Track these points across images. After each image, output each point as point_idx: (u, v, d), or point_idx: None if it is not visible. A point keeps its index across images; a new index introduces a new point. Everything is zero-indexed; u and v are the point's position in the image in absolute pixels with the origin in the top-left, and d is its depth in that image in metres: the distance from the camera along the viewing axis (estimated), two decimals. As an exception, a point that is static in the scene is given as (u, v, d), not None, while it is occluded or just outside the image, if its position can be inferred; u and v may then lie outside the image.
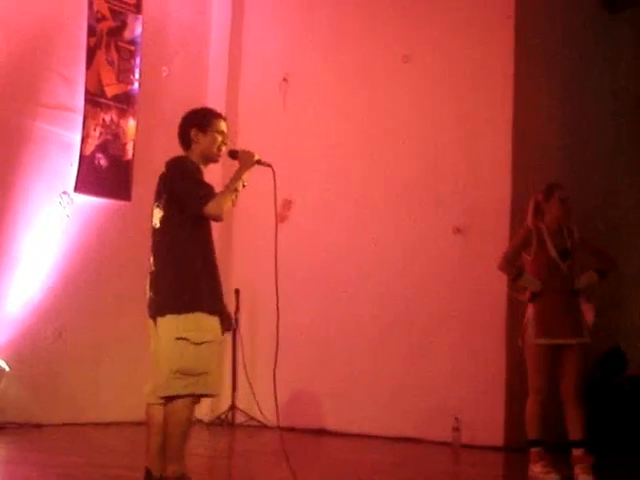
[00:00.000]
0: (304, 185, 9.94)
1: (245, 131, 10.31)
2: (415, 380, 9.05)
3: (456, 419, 8.53)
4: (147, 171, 9.57)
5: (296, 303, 9.75)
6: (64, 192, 9.03)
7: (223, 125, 5.40)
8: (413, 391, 9.06)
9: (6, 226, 8.58)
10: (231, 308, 9.58)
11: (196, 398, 5.07)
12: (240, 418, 9.66)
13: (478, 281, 8.90)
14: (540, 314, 6.77)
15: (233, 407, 9.63)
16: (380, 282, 9.39)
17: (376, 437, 9.01)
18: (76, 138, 9.09)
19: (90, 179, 9.19)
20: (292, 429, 9.37)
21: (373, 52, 9.70)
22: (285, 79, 10.14)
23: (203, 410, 9.70)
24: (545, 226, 6.88)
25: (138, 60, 9.60)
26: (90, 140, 9.18)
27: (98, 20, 9.26)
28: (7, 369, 8.38)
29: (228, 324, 5.30)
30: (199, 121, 5.37)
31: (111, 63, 9.37)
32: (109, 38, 9.36)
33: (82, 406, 8.99)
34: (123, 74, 9.48)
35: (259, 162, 5.36)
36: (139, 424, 9.13)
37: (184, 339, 4.98)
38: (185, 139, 5.36)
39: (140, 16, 9.63)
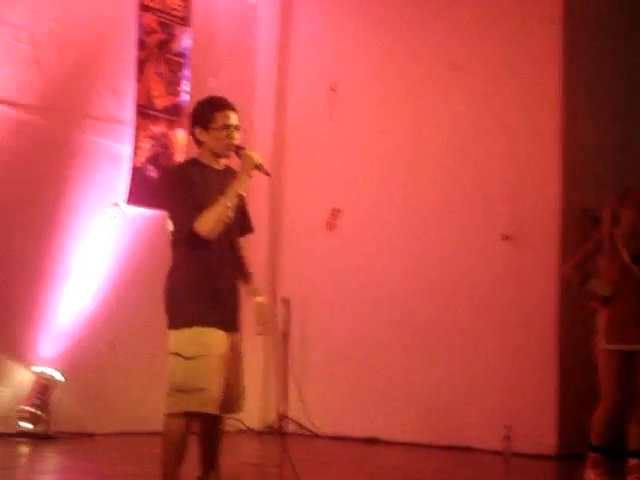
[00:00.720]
0: (352, 194, 9.95)
1: (293, 141, 10.35)
2: (465, 388, 9.01)
3: (507, 427, 8.48)
4: (196, 182, 9.65)
5: (345, 311, 9.78)
6: (115, 204, 9.12)
7: (229, 117, 4.98)
8: (463, 399, 9.02)
9: (58, 238, 8.67)
10: (280, 317, 9.61)
11: (191, 416, 4.82)
12: (291, 427, 9.67)
13: (528, 288, 8.85)
14: (612, 319, 6.66)
15: (284, 416, 9.64)
16: (429, 290, 9.36)
17: (426, 446, 8.98)
18: (126, 150, 9.17)
19: (141, 190, 9.26)
20: (343, 438, 9.38)
21: (420, 61, 9.69)
22: (332, 88, 10.15)
23: (253, 419, 9.75)
24: (619, 231, 6.78)
25: (186, 72, 9.68)
26: (140, 152, 9.26)
27: (147, 33, 9.34)
28: (61, 380, 8.47)
29: (262, 326, 5.08)
30: (200, 119, 5.00)
31: (160, 75, 9.46)
32: (158, 51, 9.44)
33: (134, 416, 9.03)
34: (172, 86, 9.55)
35: (259, 168, 4.98)
36: (190, 433, 9.22)
37: (177, 354, 4.81)
38: (194, 139, 5.06)
39: (188, 28, 9.70)
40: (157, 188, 5.03)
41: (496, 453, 8.48)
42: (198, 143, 5.04)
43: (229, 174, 5.03)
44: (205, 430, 5.03)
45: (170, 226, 4.96)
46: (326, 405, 9.65)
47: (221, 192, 4.87)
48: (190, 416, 4.83)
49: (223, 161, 5.07)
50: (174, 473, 4.85)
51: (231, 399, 4.99)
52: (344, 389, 9.65)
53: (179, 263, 4.95)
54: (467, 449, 8.82)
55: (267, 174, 5.03)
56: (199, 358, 4.76)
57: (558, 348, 8.64)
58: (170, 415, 4.82)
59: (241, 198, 4.98)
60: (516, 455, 8.41)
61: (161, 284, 9.38)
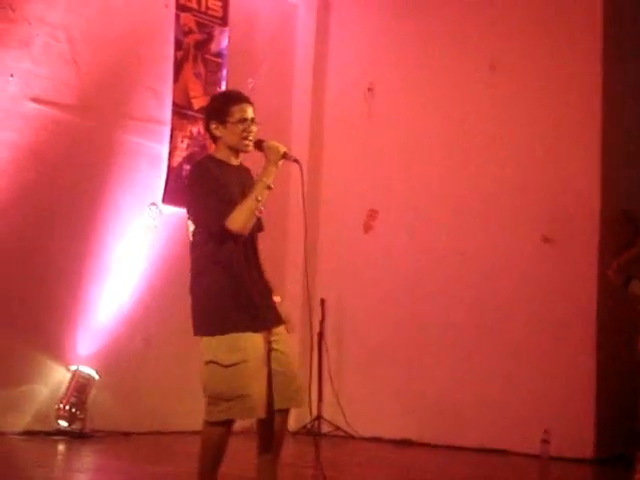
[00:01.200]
0: (389, 195, 9.92)
1: (330, 141, 10.34)
2: (504, 391, 8.96)
3: (545, 431, 8.40)
4: (233, 182, 9.67)
5: (381, 312, 9.75)
6: (153, 203, 9.15)
7: (245, 110, 4.85)
8: (501, 402, 8.96)
9: (97, 237, 8.71)
10: (316, 318, 9.61)
11: (231, 422, 4.75)
12: (326, 428, 9.66)
13: (567, 290, 8.79)
14: None
15: (319, 417, 9.63)
16: (467, 292, 9.32)
17: (462, 448, 8.93)
18: (164, 150, 9.20)
19: (177, 190, 9.28)
20: (377, 439, 9.35)
21: (459, 61, 9.64)
22: (370, 89, 10.14)
23: (289, 419, 9.73)
24: None
25: (224, 72, 9.69)
26: (177, 152, 9.29)
27: (185, 33, 9.37)
28: (97, 378, 8.51)
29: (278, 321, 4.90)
30: (216, 113, 4.84)
31: (198, 76, 9.48)
32: (196, 51, 9.46)
33: (168, 415, 9.07)
34: (210, 86, 9.56)
35: (285, 156, 4.85)
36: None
37: (213, 362, 4.70)
38: (210, 134, 4.90)
39: (226, 28, 9.71)
40: (184, 188, 4.85)
41: (533, 456, 8.41)
42: (214, 138, 4.89)
43: (243, 171, 4.94)
44: (264, 428, 4.94)
45: (191, 227, 4.83)
46: (361, 406, 9.62)
47: (240, 189, 4.76)
48: (230, 422, 4.76)
49: (239, 157, 4.93)
50: (212, 475, 4.79)
51: (289, 394, 4.87)
52: (379, 390, 9.62)
53: (204, 266, 4.78)
54: (503, 452, 8.76)
55: (295, 161, 4.88)
56: (238, 365, 4.64)
57: (597, 351, 8.56)
58: (211, 423, 4.74)
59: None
60: (554, 459, 8.34)
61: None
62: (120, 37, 8.92)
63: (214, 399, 4.69)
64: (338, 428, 9.58)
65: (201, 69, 9.53)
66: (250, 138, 4.84)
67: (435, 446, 9.15)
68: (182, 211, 9.11)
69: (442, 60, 9.76)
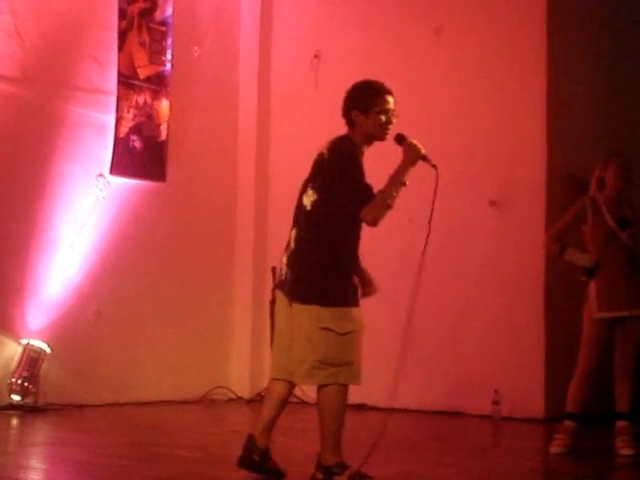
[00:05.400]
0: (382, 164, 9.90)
1: (278, 109, 10.31)
2: (454, 354, 9.05)
3: (496, 392, 8.53)
4: (181, 151, 9.66)
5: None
6: (100, 174, 9.09)
7: (389, 102, 5.12)
8: (452, 365, 9.06)
9: (44, 210, 8.65)
10: (268, 286, 9.63)
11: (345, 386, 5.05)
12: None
13: (515, 254, 8.87)
14: (601, 287, 6.60)
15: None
16: (415, 257, 9.34)
17: (415, 411, 9.01)
18: (110, 121, 9.13)
19: (125, 161, 9.24)
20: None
21: (404, 25, 9.63)
22: (316, 56, 10.11)
23: (244, 387, 9.79)
24: (603, 196, 6.71)
25: (170, 41, 9.62)
26: (124, 122, 9.22)
27: (129, 2, 9.27)
28: (48, 351, 8.47)
29: (370, 290, 5.32)
30: (360, 102, 5.10)
31: (143, 45, 9.40)
32: (140, 20, 9.37)
33: (122, 386, 9.07)
34: (155, 55, 9.49)
35: (424, 159, 5.08)
36: (180, 402, 9.27)
37: (328, 329, 4.94)
38: (348, 119, 5.13)
39: (170, -4, 9.63)
40: (328, 158, 5.06)
41: (486, 417, 8.54)
42: (352, 124, 5.11)
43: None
44: (284, 395, 5.26)
45: (313, 196, 5.02)
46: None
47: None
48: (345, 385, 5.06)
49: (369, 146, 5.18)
50: (339, 440, 5.06)
51: None
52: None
53: (326, 239, 5.01)
54: (456, 414, 8.87)
55: (434, 166, 5.09)
56: (351, 334, 4.98)
57: (545, 314, 8.67)
58: (327, 387, 5.00)
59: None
60: (505, 419, 8.48)
61: (145, 253, 9.47)
62: (63, 8, 8.82)
63: (323, 363, 4.96)
64: (292, 395, 9.61)
65: (146, 38, 9.45)
66: (390, 128, 5.11)
67: (388, 410, 9.22)
68: (130, 182, 9.23)
69: (388, 26, 9.75)
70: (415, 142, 5.08)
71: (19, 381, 8.27)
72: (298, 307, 5.03)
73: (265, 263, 9.64)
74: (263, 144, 10.14)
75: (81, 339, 8.84)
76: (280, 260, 5.21)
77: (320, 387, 5.04)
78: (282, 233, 9.92)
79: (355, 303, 5.08)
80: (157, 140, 9.52)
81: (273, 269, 9.74)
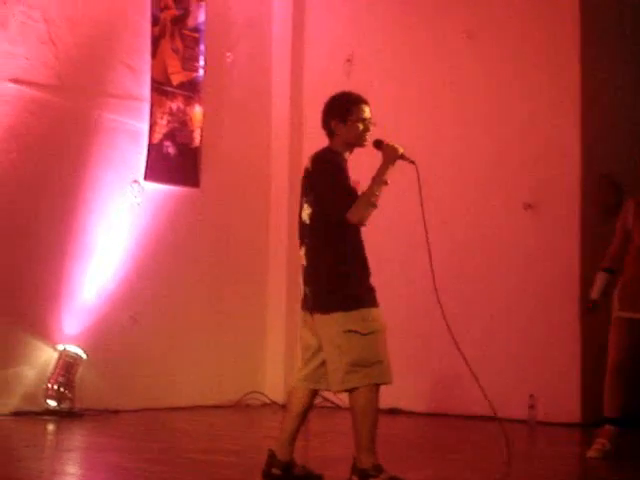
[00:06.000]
0: (370, 167, 9.88)
1: (311, 114, 10.30)
2: (490, 358, 8.99)
3: (531, 397, 8.48)
4: (215, 157, 9.69)
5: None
6: (134, 181, 9.14)
7: (365, 111, 5.32)
8: (488, 369, 8.97)
9: (80, 216, 8.70)
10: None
11: (377, 386, 5.14)
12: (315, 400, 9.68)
13: (550, 256, 8.83)
14: (624, 286, 6.65)
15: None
16: (450, 261, 9.33)
17: (451, 416, 8.99)
18: (144, 127, 9.17)
19: (159, 167, 9.28)
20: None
21: (435, 29, 9.62)
22: (349, 59, 10.10)
23: (278, 392, 9.79)
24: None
25: (202, 47, 9.65)
26: (158, 128, 9.27)
27: (162, 9, 9.32)
28: (84, 357, 8.52)
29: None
30: (338, 112, 5.32)
31: (176, 51, 9.44)
32: (173, 26, 9.42)
33: (157, 391, 9.10)
34: (188, 62, 9.53)
35: (402, 157, 5.30)
36: (215, 407, 9.30)
37: (353, 331, 5.06)
38: (328, 130, 5.34)
39: (203, 3, 9.67)
40: (312, 170, 5.30)
41: (521, 422, 8.49)
42: (332, 134, 5.33)
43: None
44: (307, 402, 5.32)
45: (307, 209, 5.19)
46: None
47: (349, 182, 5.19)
48: (376, 386, 5.14)
49: (351, 153, 5.37)
50: (373, 442, 5.10)
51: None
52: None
53: (333, 247, 5.16)
54: (492, 418, 8.81)
55: (412, 162, 5.35)
56: (375, 333, 5.11)
57: (581, 316, 8.59)
58: (358, 389, 5.07)
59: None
60: (541, 424, 8.42)
61: (179, 258, 9.51)
62: (97, 15, 8.87)
63: (355, 366, 5.05)
64: (325, 399, 9.61)
65: (179, 44, 9.48)
66: (368, 135, 5.29)
67: (421, 414, 9.21)
68: (164, 187, 9.27)
69: (420, 29, 9.74)
70: (393, 144, 5.32)
71: (55, 386, 8.32)
72: (322, 318, 5.15)
73: (299, 269, 9.62)
74: (296, 148, 10.14)
75: (116, 344, 8.88)
76: (300, 282, 5.37)
77: (352, 390, 5.08)
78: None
79: (374, 304, 5.19)
80: (191, 146, 9.56)
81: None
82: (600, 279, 6.84)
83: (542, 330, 8.79)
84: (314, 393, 5.35)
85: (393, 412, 9.27)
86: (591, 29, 8.96)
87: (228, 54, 9.99)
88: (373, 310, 5.16)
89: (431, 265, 5.51)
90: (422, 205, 5.55)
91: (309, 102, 10.34)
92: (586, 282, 8.54)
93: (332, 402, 9.53)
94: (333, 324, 5.09)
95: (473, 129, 9.35)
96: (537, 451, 7.72)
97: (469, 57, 9.41)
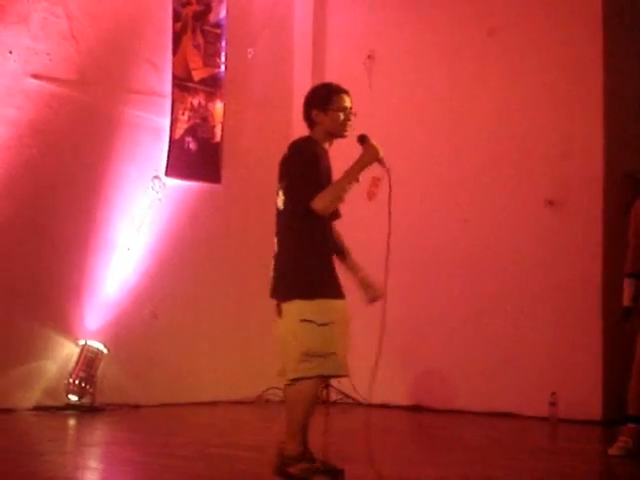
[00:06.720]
0: (392, 162, 9.85)
1: (332, 110, 10.29)
2: (511, 356, 8.98)
3: (553, 394, 8.45)
4: (236, 153, 9.70)
5: (386, 280, 9.73)
6: (156, 176, 9.15)
7: (346, 100, 5.33)
8: (509, 367, 8.98)
9: (100, 211, 8.73)
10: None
11: (324, 379, 5.17)
12: (334, 396, 9.70)
13: (572, 253, 8.79)
14: None
15: (327, 385, 9.66)
16: (472, 258, 9.32)
17: (473, 413, 8.97)
18: (165, 123, 9.19)
19: (180, 163, 9.29)
20: (386, 406, 9.38)
21: (458, 26, 9.59)
22: (370, 56, 10.09)
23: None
24: None
25: (224, 43, 9.65)
26: (179, 124, 9.28)
27: (183, 5, 9.32)
28: (105, 352, 8.54)
29: (372, 295, 5.35)
30: (319, 101, 5.32)
31: (197, 47, 9.44)
32: (194, 22, 9.42)
33: (178, 387, 9.12)
34: (209, 58, 9.54)
35: (380, 161, 5.26)
36: (235, 403, 9.30)
37: (309, 321, 5.05)
38: (308, 120, 5.33)
39: (224, -1, 9.67)
40: (287, 158, 5.30)
41: (543, 419, 8.46)
42: (312, 124, 5.31)
43: (327, 154, 5.33)
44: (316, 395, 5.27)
45: (281, 197, 5.19)
46: (369, 373, 9.61)
47: (329, 171, 5.20)
48: (321, 379, 5.16)
49: (332, 143, 5.35)
50: (301, 432, 5.12)
51: None
52: (388, 357, 9.57)
53: (298, 236, 5.16)
54: (513, 415, 8.79)
55: (386, 169, 5.26)
56: (331, 324, 5.07)
57: (603, 314, 8.57)
58: (303, 379, 5.06)
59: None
60: (562, 421, 8.40)
61: (200, 254, 9.53)
62: (118, 10, 8.89)
63: (308, 356, 5.04)
64: (347, 395, 9.61)
65: (200, 40, 9.49)
66: (349, 125, 5.29)
67: (444, 411, 9.19)
68: (185, 183, 9.28)
69: (441, 26, 9.71)
70: (375, 145, 5.28)
71: (76, 381, 8.35)
72: (284, 306, 5.15)
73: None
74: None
75: (138, 339, 8.90)
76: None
77: (297, 379, 5.07)
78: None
79: (337, 295, 5.14)
80: (212, 142, 9.57)
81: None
82: (628, 286, 6.78)
83: (564, 328, 8.76)
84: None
85: (415, 409, 9.28)
86: (614, 25, 8.91)
87: (249, 50, 9.98)
88: (335, 301, 5.12)
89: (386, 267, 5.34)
90: (389, 209, 5.37)
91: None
92: (609, 280, 8.52)
93: (353, 398, 9.54)
94: (292, 311, 5.09)
95: (495, 126, 9.31)
96: (558, 448, 7.71)
97: (491, 53, 9.38)
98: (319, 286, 5.10)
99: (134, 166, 8.99)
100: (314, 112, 5.29)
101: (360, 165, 5.22)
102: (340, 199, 5.14)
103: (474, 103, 9.46)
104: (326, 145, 5.32)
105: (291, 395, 5.12)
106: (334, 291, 5.14)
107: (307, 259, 5.13)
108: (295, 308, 5.10)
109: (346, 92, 5.37)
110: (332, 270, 5.21)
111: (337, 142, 5.39)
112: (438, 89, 9.70)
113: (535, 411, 8.62)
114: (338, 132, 5.30)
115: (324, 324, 5.04)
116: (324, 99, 5.30)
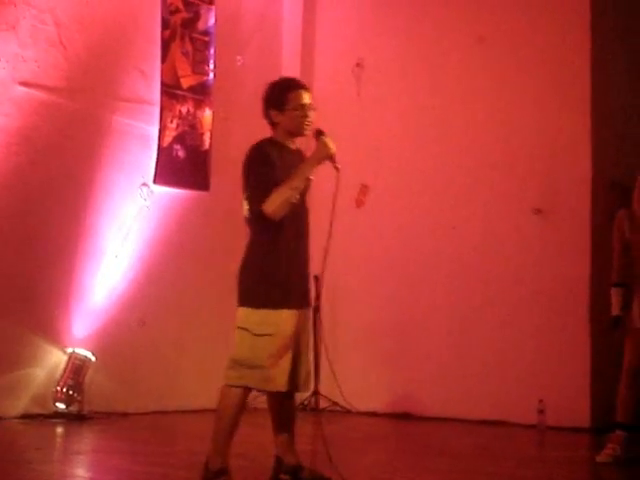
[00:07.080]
0: (380, 170, 9.91)
1: (320, 117, 10.26)
2: (499, 363, 9.00)
3: (541, 401, 8.46)
4: (224, 161, 9.68)
5: (375, 287, 9.77)
6: (144, 184, 9.14)
7: (303, 97, 5.14)
8: (497, 374, 9.00)
9: (89, 219, 8.71)
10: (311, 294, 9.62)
11: (248, 390, 5.00)
12: (323, 404, 9.68)
13: (560, 261, 8.81)
14: None
15: (316, 393, 9.65)
16: (460, 265, 9.33)
17: (461, 420, 8.98)
18: (154, 130, 9.18)
19: (168, 170, 9.28)
20: (375, 414, 9.39)
21: (445, 34, 9.63)
22: (359, 64, 10.11)
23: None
24: None
25: (212, 50, 9.66)
26: (167, 132, 9.27)
27: (172, 12, 9.33)
28: (93, 359, 8.52)
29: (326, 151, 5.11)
30: (275, 101, 5.14)
31: (186, 55, 9.45)
32: (183, 30, 9.42)
33: (166, 394, 9.11)
34: (198, 65, 9.54)
35: (331, 159, 5.09)
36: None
37: (245, 329, 4.96)
38: (268, 120, 5.19)
39: (213, 6, 9.67)
40: (243, 165, 5.22)
41: (531, 427, 8.47)
42: (273, 124, 5.15)
43: (299, 154, 5.20)
44: (274, 406, 5.23)
45: (245, 206, 5.10)
46: (357, 381, 9.65)
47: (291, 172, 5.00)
48: (247, 390, 4.99)
49: (297, 141, 5.22)
50: (225, 444, 5.02)
51: (298, 380, 5.11)
52: (375, 364, 9.65)
53: (254, 243, 5.08)
54: (501, 423, 8.80)
55: (337, 168, 5.09)
56: (267, 336, 4.90)
57: (590, 320, 8.60)
58: (229, 386, 4.96)
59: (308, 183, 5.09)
60: (551, 428, 8.41)
61: (188, 262, 9.51)
62: (106, 18, 8.88)
63: (236, 364, 4.93)
64: (335, 403, 9.61)
65: (189, 48, 9.49)
66: (307, 122, 5.11)
67: (432, 419, 9.20)
68: (174, 191, 9.26)
69: (430, 34, 9.74)
70: (329, 141, 5.10)
71: (64, 389, 8.32)
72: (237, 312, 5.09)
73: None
74: (306, 153, 10.13)
75: (125, 347, 8.88)
76: None
77: (224, 387, 5.00)
78: (324, 241, 9.98)
79: (285, 305, 4.98)
80: (200, 149, 9.57)
81: (316, 277, 9.78)
82: (616, 295, 6.79)
83: (551, 334, 8.78)
84: (274, 394, 5.18)
85: (405, 417, 9.29)
86: (601, 34, 8.95)
87: (238, 57, 9.99)
88: (279, 312, 4.96)
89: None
90: (333, 207, 5.17)
91: (319, 106, 10.20)
92: (596, 286, 8.54)
93: (342, 406, 9.53)
94: (237, 317, 5.02)
95: (483, 134, 9.34)
96: (546, 455, 7.72)
97: (479, 62, 9.41)
98: (264, 296, 4.95)
99: (122, 173, 8.97)
100: (272, 113, 5.13)
101: (310, 164, 5.07)
102: (290, 201, 4.95)
103: (461, 110, 9.49)
104: (290, 144, 5.17)
105: (219, 401, 5.04)
106: (284, 301, 4.98)
107: (260, 267, 5.01)
108: (239, 315, 5.03)
109: (303, 87, 5.20)
110: (288, 279, 5.02)
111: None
112: (426, 96, 9.72)
113: (523, 418, 8.63)
114: (297, 131, 5.14)
115: (259, 335, 4.89)
116: (279, 99, 5.12)
